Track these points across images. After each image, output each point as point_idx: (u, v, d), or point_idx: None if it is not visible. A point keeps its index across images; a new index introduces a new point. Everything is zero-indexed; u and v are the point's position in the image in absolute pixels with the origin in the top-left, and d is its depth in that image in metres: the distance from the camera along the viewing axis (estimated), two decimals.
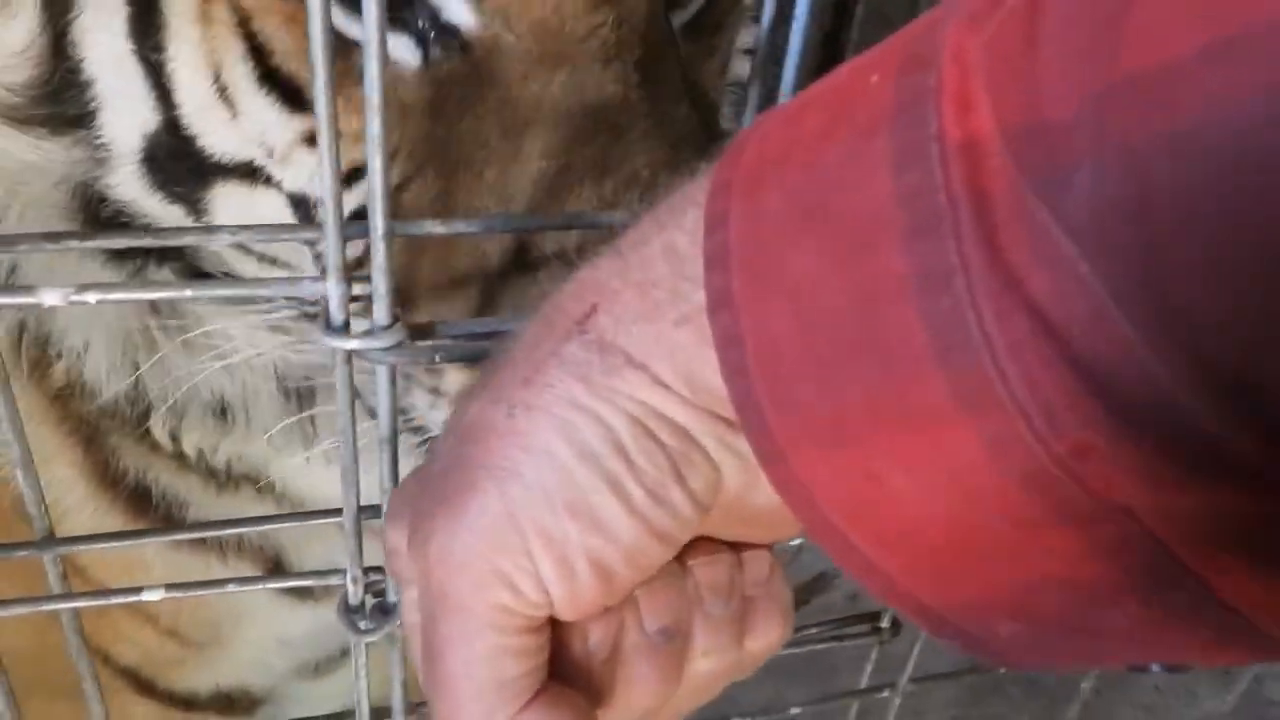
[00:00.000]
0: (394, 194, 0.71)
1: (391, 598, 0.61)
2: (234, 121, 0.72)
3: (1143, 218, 0.32)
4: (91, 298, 0.49)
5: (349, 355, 0.51)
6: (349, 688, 0.66)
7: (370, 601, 0.61)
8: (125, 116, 0.74)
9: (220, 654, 1.06)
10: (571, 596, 0.45)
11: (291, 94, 0.71)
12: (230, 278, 0.82)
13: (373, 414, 0.56)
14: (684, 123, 0.73)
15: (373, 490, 0.57)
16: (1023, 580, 0.39)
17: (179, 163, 0.75)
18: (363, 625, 0.61)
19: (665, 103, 0.72)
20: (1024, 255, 0.34)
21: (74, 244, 0.59)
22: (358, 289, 0.49)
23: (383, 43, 0.43)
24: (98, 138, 0.75)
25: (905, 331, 0.36)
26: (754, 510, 0.46)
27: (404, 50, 0.70)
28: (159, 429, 0.91)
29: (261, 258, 0.80)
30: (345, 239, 0.48)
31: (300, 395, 0.89)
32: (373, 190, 0.46)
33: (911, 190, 0.36)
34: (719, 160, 0.42)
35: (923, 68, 0.37)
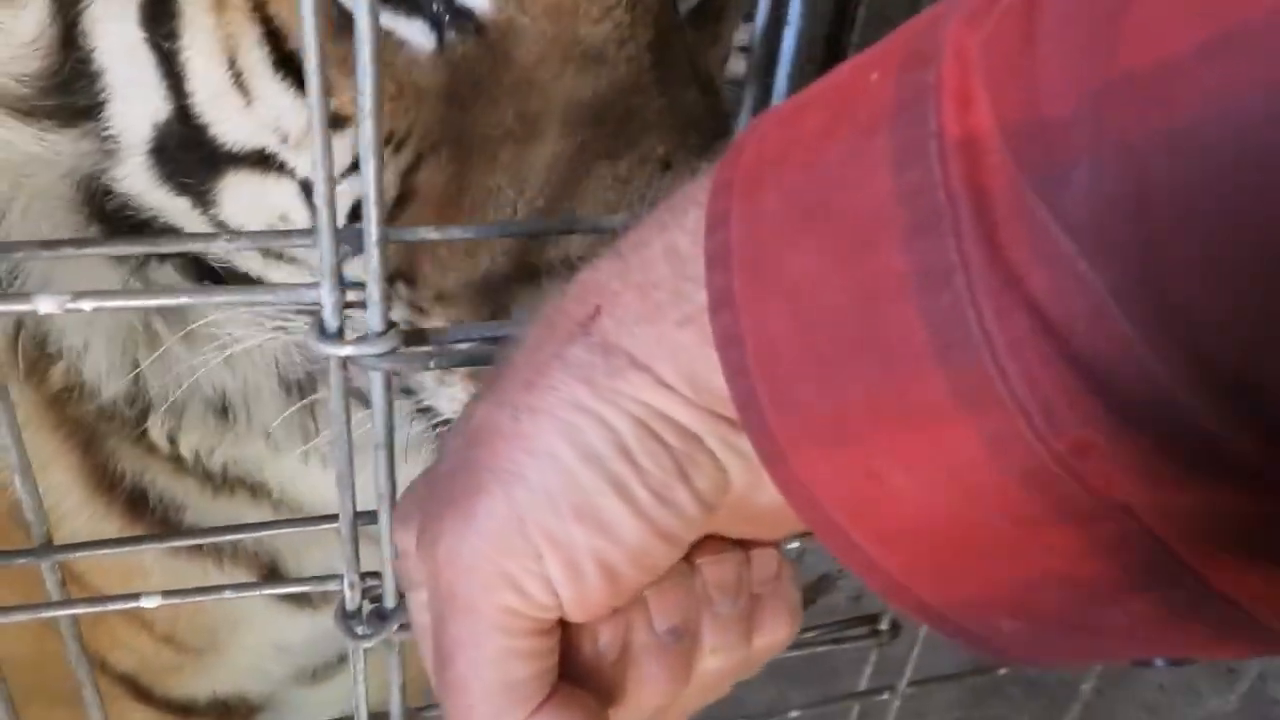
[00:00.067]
0: (407, 175, 0.72)
1: (389, 603, 0.61)
2: (248, 108, 0.73)
3: (1141, 215, 0.32)
4: (87, 305, 0.49)
5: (343, 361, 0.51)
6: (347, 694, 0.66)
7: (368, 607, 0.61)
8: (135, 106, 0.74)
9: (217, 660, 1.06)
10: (580, 598, 0.45)
11: None
12: (228, 283, 0.82)
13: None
14: (695, 105, 0.74)
15: (370, 495, 0.57)
16: (1023, 578, 0.39)
17: (189, 153, 0.75)
18: (360, 631, 0.61)
19: (677, 86, 0.73)
20: (1023, 253, 0.34)
21: (69, 251, 0.59)
22: (352, 295, 0.49)
23: (377, 43, 0.43)
24: (106, 129, 0.76)
25: (905, 330, 0.36)
26: (760, 509, 0.46)
27: (418, 34, 0.71)
28: (157, 430, 0.91)
29: (267, 253, 0.80)
30: (339, 244, 0.48)
31: (302, 386, 0.89)
32: (366, 196, 0.46)
33: (912, 188, 0.35)
34: (720, 160, 0.42)
35: (924, 64, 0.36)
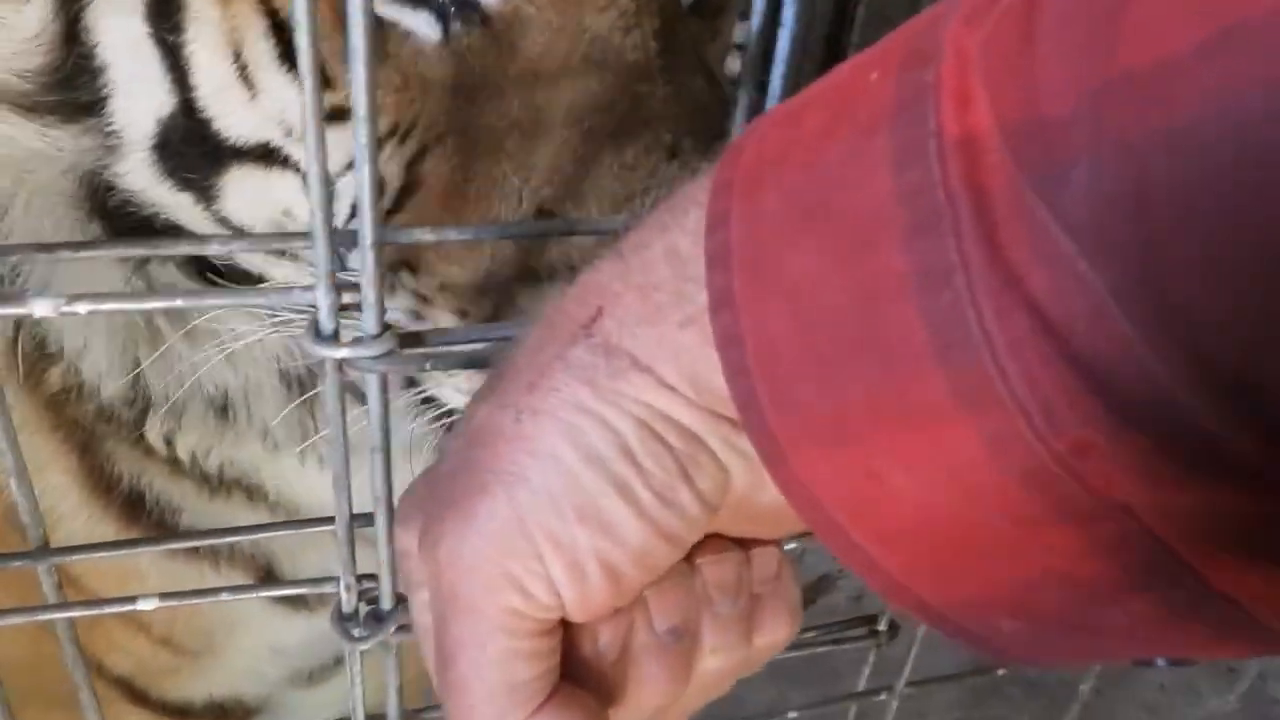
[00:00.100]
0: (412, 165, 0.72)
1: (385, 605, 0.61)
2: (253, 101, 0.73)
3: (1141, 215, 0.32)
4: (82, 308, 0.49)
5: (339, 364, 0.51)
6: (343, 696, 0.65)
7: (364, 609, 0.61)
8: (139, 101, 0.74)
9: (214, 663, 1.06)
10: (582, 599, 0.45)
11: None
12: (229, 280, 0.82)
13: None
14: (701, 93, 0.74)
15: (367, 497, 0.57)
16: (1023, 578, 0.39)
17: (192, 147, 0.75)
18: (357, 633, 0.60)
19: (683, 73, 0.73)
20: (1023, 253, 0.34)
21: (66, 254, 0.59)
22: (348, 297, 0.49)
23: (371, 50, 0.42)
24: (108, 125, 0.75)
25: (905, 329, 0.36)
26: (761, 508, 0.46)
27: (424, 25, 0.71)
28: (154, 432, 0.91)
29: (268, 249, 0.80)
30: (335, 247, 0.48)
31: (303, 382, 0.89)
32: (361, 199, 0.46)
33: (912, 188, 0.35)
34: (720, 160, 0.42)
35: (924, 63, 0.36)
